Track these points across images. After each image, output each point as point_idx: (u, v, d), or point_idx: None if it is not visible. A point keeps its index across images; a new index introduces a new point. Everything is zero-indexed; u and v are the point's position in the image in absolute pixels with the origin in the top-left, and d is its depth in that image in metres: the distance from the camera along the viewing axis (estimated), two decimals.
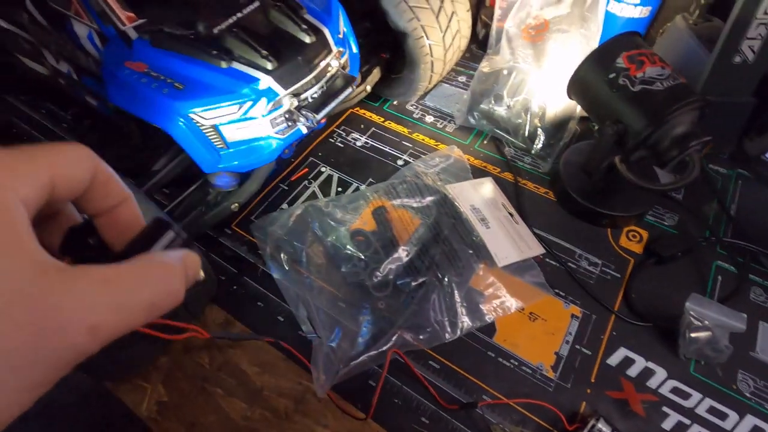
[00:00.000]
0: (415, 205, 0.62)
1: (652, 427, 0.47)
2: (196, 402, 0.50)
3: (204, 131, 0.49)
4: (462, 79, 0.85)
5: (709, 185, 0.66)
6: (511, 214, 0.63)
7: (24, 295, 0.13)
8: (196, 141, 0.49)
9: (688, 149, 0.50)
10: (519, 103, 0.70)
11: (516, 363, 0.51)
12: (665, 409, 0.48)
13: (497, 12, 0.74)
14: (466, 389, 0.49)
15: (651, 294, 0.56)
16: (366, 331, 0.51)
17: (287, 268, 0.57)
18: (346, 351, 0.50)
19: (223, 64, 0.47)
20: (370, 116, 0.79)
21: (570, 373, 0.50)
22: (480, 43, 0.88)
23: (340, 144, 0.74)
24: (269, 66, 0.48)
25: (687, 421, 0.47)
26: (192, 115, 0.47)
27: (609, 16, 0.71)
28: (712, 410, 0.47)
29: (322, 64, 0.52)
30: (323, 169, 0.70)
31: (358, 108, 0.80)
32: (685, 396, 0.48)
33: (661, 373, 0.50)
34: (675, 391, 0.49)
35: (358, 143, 0.74)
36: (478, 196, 0.64)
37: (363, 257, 0.57)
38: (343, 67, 0.57)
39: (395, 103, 0.81)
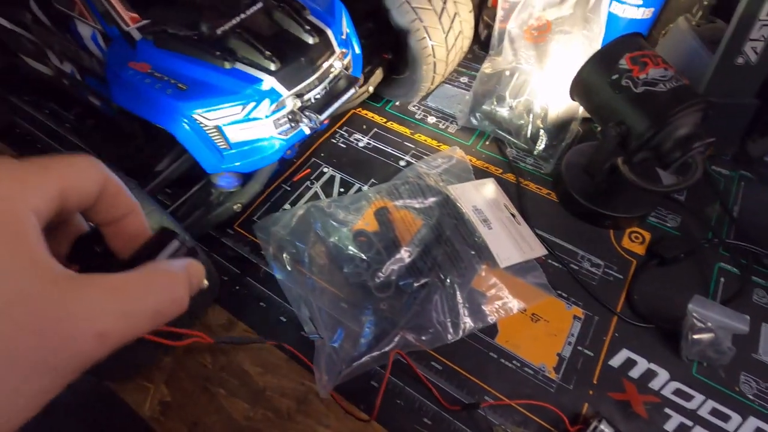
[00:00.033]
0: (417, 205, 0.62)
1: (654, 428, 0.47)
2: (198, 402, 0.50)
3: (207, 132, 0.49)
4: (464, 80, 0.85)
5: (712, 187, 0.66)
6: (513, 215, 0.63)
7: (36, 304, 0.13)
8: (200, 141, 0.49)
9: (691, 151, 0.50)
10: (521, 104, 0.70)
11: (518, 364, 0.51)
12: (667, 410, 0.48)
13: (499, 13, 0.74)
14: (468, 390, 0.49)
15: (653, 295, 0.56)
16: (368, 332, 0.51)
17: (290, 269, 0.57)
18: (349, 351, 0.50)
19: (227, 65, 0.47)
20: (373, 117, 0.79)
21: (572, 375, 0.50)
22: (482, 43, 0.88)
23: (342, 145, 0.74)
24: (272, 67, 0.48)
25: (689, 423, 0.47)
26: (195, 116, 0.47)
27: (611, 18, 0.71)
28: (714, 412, 0.47)
29: (326, 65, 0.52)
30: (326, 170, 0.70)
31: (360, 109, 0.80)
32: (688, 398, 0.48)
33: (663, 374, 0.50)
34: (677, 392, 0.49)
35: (361, 144, 0.74)
36: (481, 197, 0.64)
37: (365, 258, 0.57)
38: (346, 68, 0.57)
39: (397, 103, 0.81)
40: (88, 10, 0.52)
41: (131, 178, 0.44)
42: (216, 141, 0.50)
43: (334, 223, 0.60)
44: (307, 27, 0.51)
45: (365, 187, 0.67)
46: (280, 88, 0.49)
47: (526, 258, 0.58)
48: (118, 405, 0.50)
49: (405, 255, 0.57)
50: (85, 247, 0.18)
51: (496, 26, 0.75)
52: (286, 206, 0.66)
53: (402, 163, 0.71)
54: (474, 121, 0.74)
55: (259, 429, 0.48)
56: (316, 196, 0.67)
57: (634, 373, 0.50)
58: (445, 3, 0.67)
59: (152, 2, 0.53)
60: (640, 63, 0.53)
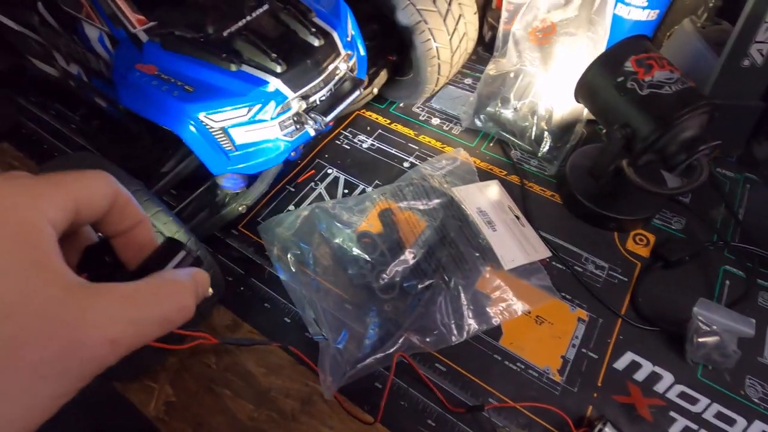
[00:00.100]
0: (421, 207, 0.63)
1: (659, 431, 0.46)
2: (203, 402, 0.50)
3: (213, 134, 0.49)
4: (468, 81, 0.85)
5: (717, 189, 0.66)
6: (517, 217, 0.63)
7: (52, 311, 0.14)
8: (206, 143, 0.50)
9: (696, 153, 0.50)
10: (526, 106, 0.70)
11: (522, 366, 0.51)
12: (672, 413, 0.47)
13: (504, 15, 0.74)
14: (472, 392, 0.49)
15: (658, 298, 0.56)
16: (373, 333, 0.51)
17: (294, 270, 0.57)
18: (353, 353, 0.50)
19: (233, 67, 0.47)
20: (377, 118, 0.79)
21: (576, 377, 0.50)
22: (486, 45, 0.88)
23: (346, 146, 0.74)
24: (278, 69, 0.48)
25: (694, 426, 0.47)
26: (202, 118, 0.48)
27: (616, 19, 0.70)
28: (719, 415, 0.47)
29: (331, 67, 0.52)
30: (330, 171, 0.71)
31: (364, 110, 0.80)
32: (693, 401, 0.48)
33: (668, 377, 0.50)
34: (682, 395, 0.49)
35: (365, 145, 0.74)
36: (485, 199, 0.64)
37: (369, 259, 0.57)
38: (351, 70, 0.57)
39: (401, 105, 0.81)
40: (95, 12, 0.52)
41: (137, 180, 0.44)
42: (222, 143, 0.50)
43: (339, 225, 0.60)
44: (313, 29, 0.51)
45: (369, 189, 0.67)
46: (285, 90, 0.49)
47: (530, 260, 0.58)
48: (124, 405, 0.50)
49: (409, 256, 0.57)
50: (95, 257, 0.19)
51: (501, 28, 0.75)
52: (291, 207, 0.66)
53: (406, 164, 0.71)
54: (478, 123, 0.74)
55: (264, 430, 0.48)
56: (320, 198, 0.67)
57: (639, 376, 0.50)
58: (449, 5, 0.67)
59: (159, 4, 0.53)
60: (646, 65, 0.53)
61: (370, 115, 0.79)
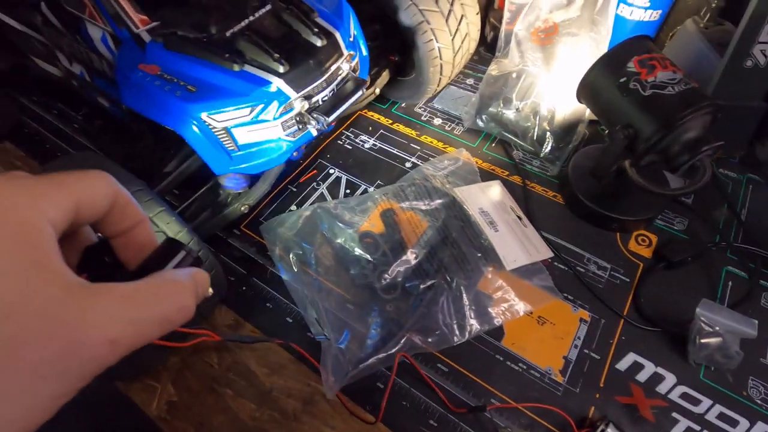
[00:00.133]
0: (423, 207, 0.63)
1: None
2: (205, 402, 0.50)
3: (216, 134, 0.49)
4: (470, 81, 0.85)
5: (720, 190, 0.66)
6: (519, 218, 0.63)
7: (52, 311, 0.14)
8: (208, 143, 0.50)
9: (699, 154, 0.50)
10: (528, 107, 0.70)
11: (524, 367, 0.51)
12: (675, 414, 0.47)
13: (506, 15, 0.74)
14: (474, 393, 0.49)
15: (660, 299, 0.56)
16: (375, 333, 0.51)
17: (296, 270, 0.57)
18: (355, 353, 0.50)
19: (236, 67, 0.48)
20: (378, 118, 0.79)
21: (579, 378, 0.50)
22: (488, 46, 0.88)
23: (348, 146, 0.74)
24: (281, 69, 0.48)
25: (697, 427, 0.47)
26: (204, 118, 0.48)
27: (618, 20, 0.70)
28: (722, 416, 0.47)
29: (333, 67, 0.52)
30: (332, 171, 0.71)
31: (366, 110, 0.80)
32: (695, 402, 0.48)
33: (670, 378, 0.50)
34: (685, 396, 0.49)
35: (367, 145, 0.74)
36: (487, 199, 0.64)
37: (371, 259, 0.57)
38: (354, 70, 0.57)
39: (403, 105, 0.81)
40: (98, 12, 0.52)
41: (140, 180, 0.44)
42: (224, 143, 0.50)
43: (341, 225, 0.60)
44: (316, 29, 0.51)
45: (371, 189, 0.67)
46: (288, 90, 0.49)
47: (532, 260, 0.58)
48: (126, 404, 0.50)
49: (411, 257, 0.57)
50: (95, 258, 0.19)
51: (503, 28, 0.75)
52: (293, 207, 0.66)
53: (408, 164, 0.71)
54: (480, 123, 0.74)
55: (266, 429, 0.48)
56: (322, 198, 0.67)
57: (641, 376, 0.50)
58: (452, 5, 0.67)
59: (162, 4, 0.53)
60: (648, 66, 0.53)
61: (372, 116, 0.80)
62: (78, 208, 0.16)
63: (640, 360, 0.51)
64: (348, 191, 0.68)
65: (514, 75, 0.71)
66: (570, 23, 0.68)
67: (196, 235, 0.46)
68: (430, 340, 0.51)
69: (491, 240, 0.59)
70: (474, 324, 0.52)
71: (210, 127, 0.48)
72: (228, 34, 0.50)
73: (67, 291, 0.14)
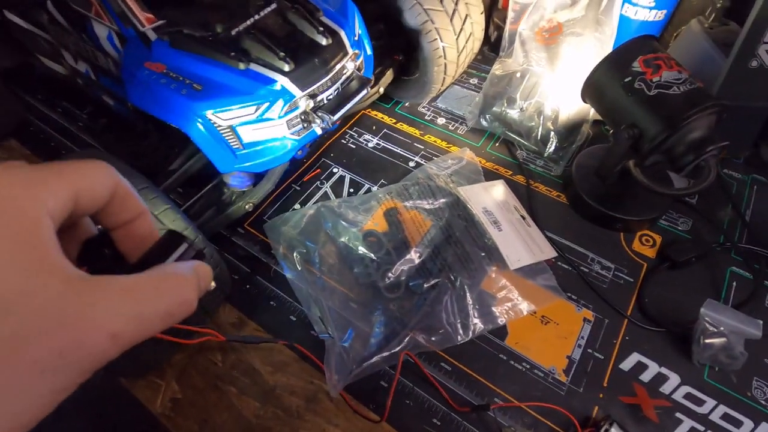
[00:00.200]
0: (427, 206, 0.63)
1: None
2: (209, 399, 0.50)
3: (221, 132, 0.49)
4: (474, 81, 0.85)
5: (724, 190, 0.66)
6: (523, 217, 0.63)
7: (52, 304, 0.14)
8: (213, 141, 0.50)
9: (704, 154, 0.50)
10: (532, 106, 0.70)
11: (528, 366, 0.51)
12: (679, 415, 0.47)
13: (510, 14, 0.74)
14: (477, 392, 0.49)
15: (664, 299, 0.55)
16: (378, 332, 0.51)
17: (300, 268, 0.57)
18: (359, 351, 0.50)
19: (241, 66, 0.48)
20: (382, 118, 0.79)
21: (582, 377, 0.50)
22: (492, 45, 0.88)
23: (352, 145, 0.74)
24: (286, 68, 0.48)
25: (701, 428, 0.46)
26: (210, 116, 0.48)
27: (623, 20, 0.70)
28: (726, 417, 0.47)
29: (338, 66, 0.52)
30: (335, 170, 0.71)
31: (370, 109, 0.80)
32: (699, 402, 0.48)
33: (674, 378, 0.50)
34: (688, 397, 0.48)
35: (370, 144, 0.74)
36: (490, 199, 0.64)
37: (375, 258, 0.57)
38: (359, 69, 0.57)
39: (407, 104, 0.81)
40: (104, 10, 0.52)
41: (145, 177, 0.45)
42: (229, 141, 0.50)
43: (344, 223, 0.60)
44: (321, 28, 0.52)
45: (375, 188, 0.68)
46: (293, 88, 0.49)
47: (536, 260, 0.58)
48: (130, 401, 0.50)
49: (415, 256, 0.57)
50: (94, 250, 0.19)
51: (507, 28, 0.75)
52: (296, 206, 0.66)
53: (411, 164, 0.71)
54: (484, 123, 0.74)
55: (269, 427, 0.48)
56: (326, 196, 0.67)
57: (645, 376, 0.50)
58: (456, 5, 0.67)
59: (168, 3, 0.54)
60: (654, 65, 0.53)
61: (375, 115, 0.80)
62: (77, 198, 0.16)
63: (644, 360, 0.51)
64: (351, 190, 0.68)
65: (518, 75, 0.71)
66: (574, 23, 0.68)
67: (200, 233, 0.46)
68: (433, 339, 0.51)
69: (495, 239, 0.59)
70: (478, 323, 0.52)
71: (215, 125, 0.49)
72: (233, 32, 0.50)
73: (66, 284, 0.14)
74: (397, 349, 0.50)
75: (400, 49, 0.72)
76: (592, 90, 0.59)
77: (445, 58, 0.70)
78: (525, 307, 0.54)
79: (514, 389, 0.49)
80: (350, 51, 0.54)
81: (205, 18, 0.51)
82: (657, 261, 0.59)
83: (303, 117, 0.52)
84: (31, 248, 0.14)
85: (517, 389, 0.49)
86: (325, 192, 0.68)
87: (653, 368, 0.50)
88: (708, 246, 0.59)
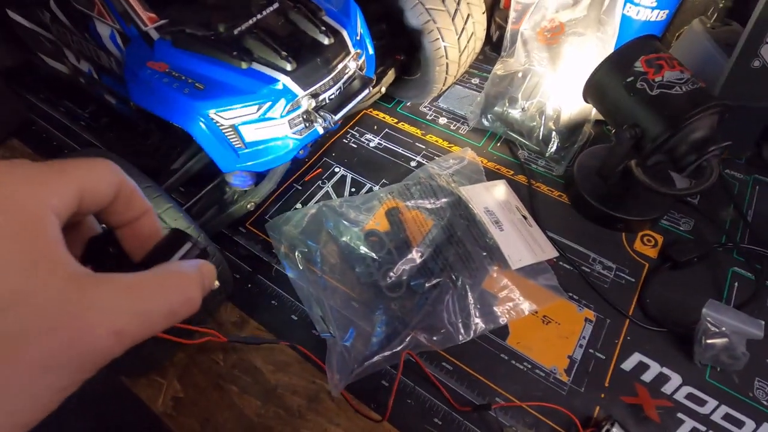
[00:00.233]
0: (428, 206, 0.63)
1: None
2: (211, 398, 0.50)
3: (223, 131, 0.49)
4: (475, 81, 0.85)
5: (726, 190, 0.66)
6: (524, 217, 0.63)
7: (56, 301, 0.14)
8: (216, 140, 0.50)
9: (706, 154, 0.50)
10: (533, 106, 0.70)
11: (529, 366, 0.51)
12: (680, 415, 0.47)
13: (512, 14, 0.74)
14: (479, 391, 0.49)
15: (666, 299, 0.55)
16: (380, 332, 0.52)
17: (301, 268, 0.57)
18: (361, 351, 0.50)
19: (243, 65, 0.48)
20: (384, 117, 0.79)
21: (584, 377, 0.50)
22: (494, 45, 0.88)
23: (353, 145, 0.74)
24: (288, 67, 0.48)
25: (702, 428, 0.46)
26: (212, 115, 0.48)
27: (625, 20, 0.70)
28: (727, 417, 0.47)
29: (340, 65, 0.52)
30: (337, 170, 0.71)
31: (371, 109, 0.80)
32: (701, 403, 0.48)
33: (676, 379, 0.50)
34: (690, 397, 0.48)
35: (372, 144, 0.74)
36: (492, 199, 0.64)
37: (376, 258, 0.57)
38: (360, 69, 0.57)
39: (408, 104, 0.81)
40: (107, 9, 0.53)
41: (147, 177, 0.45)
42: (232, 140, 0.50)
43: (346, 223, 0.60)
44: (323, 28, 0.52)
45: (376, 187, 0.68)
46: (295, 88, 0.49)
47: (537, 260, 0.58)
48: (132, 400, 0.50)
49: (416, 255, 0.57)
50: (99, 248, 0.19)
51: (509, 28, 0.75)
52: (298, 206, 0.66)
53: (413, 163, 0.71)
54: (485, 123, 0.74)
55: (271, 426, 0.49)
56: (327, 196, 0.67)
57: (647, 376, 0.50)
58: (458, 4, 0.67)
59: (170, 2, 0.54)
60: (656, 65, 0.53)
61: (377, 114, 0.80)
62: (81, 196, 0.16)
63: (646, 360, 0.51)
64: (353, 190, 0.68)
65: (519, 74, 0.71)
66: (576, 23, 0.68)
67: (203, 232, 0.46)
68: (435, 338, 0.51)
69: (496, 239, 0.59)
70: (479, 323, 0.52)
71: (217, 124, 0.49)
72: (236, 32, 0.50)
73: (71, 281, 0.14)
74: (399, 348, 0.50)
75: (401, 49, 0.72)
76: (593, 90, 0.59)
77: (446, 58, 0.70)
78: (526, 306, 0.54)
79: (515, 389, 0.49)
80: (352, 50, 0.54)
81: (207, 17, 0.52)
82: (659, 261, 0.59)
83: (305, 116, 0.52)
84: (36, 245, 0.14)
85: (519, 389, 0.49)
86: (327, 191, 0.68)
87: (655, 368, 0.50)
88: (710, 246, 0.59)
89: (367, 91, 0.56)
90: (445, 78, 0.74)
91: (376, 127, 0.77)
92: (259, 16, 0.52)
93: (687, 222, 0.63)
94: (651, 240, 0.61)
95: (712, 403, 0.48)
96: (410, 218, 0.61)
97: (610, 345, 0.52)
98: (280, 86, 0.48)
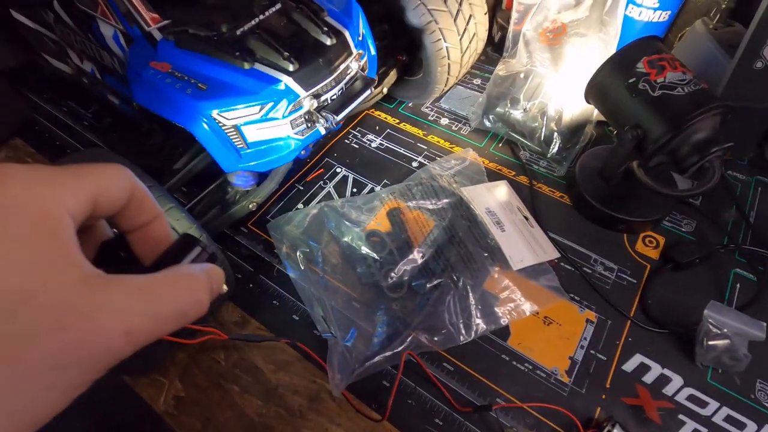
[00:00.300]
0: (430, 206, 0.63)
1: None
2: (212, 398, 0.50)
3: (226, 131, 0.49)
4: (477, 81, 0.85)
5: (728, 191, 0.65)
6: (526, 218, 0.63)
7: (68, 301, 0.14)
8: (218, 141, 0.50)
9: (708, 155, 0.49)
10: (535, 107, 0.70)
11: (530, 367, 0.51)
12: (681, 416, 0.47)
13: (514, 15, 0.74)
14: (480, 392, 0.49)
15: (667, 300, 0.55)
16: (381, 332, 0.52)
17: (303, 268, 0.57)
18: (362, 351, 0.50)
19: (246, 66, 0.48)
20: (385, 118, 0.79)
21: (585, 378, 0.50)
22: (496, 46, 0.88)
23: (355, 145, 0.75)
24: (291, 68, 0.48)
25: (704, 430, 0.46)
26: (215, 116, 0.48)
27: (627, 20, 0.70)
28: (729, 419, 0.47)
29: (343, 66, 0.53)
30: (339, 170, 0.71)
31: (373, 109, 0.80)
32: (702, 404, 0.48)
33: (677, 380, 0.50)
34: (691, 398, 0.48)
35: (373, 144, 0.75)
36: (493, 199, 0.64)
37: (378, 258, 0.57)
38: (362, 69, 0.57)
39: (410, 105, 0.81)
40: (110, 10, 0.53)
41: (149, 176, 0.45)
42: (234, 140, 0.51)
43: (347, 223, 0.60)
44: (325, 28, 0.52)
45: (378, 188, 0.68)
46: (297, 88, 0.49)
47: (538, 261, 0.58)
48: (133, 399, 0.51)
49: (418, 256, 0.57)
50: (111, 252, 0.19)
51: (511, 28, 0.75)
52: (300, 206, 0.66)
53: (414, 164, 0.71)
54: (487, 123, 0.74)
55: (272, 426, 0.49)
56: (329, 196, 0.67)
57: (648, 378, 0.50)
58: (460, 5, 0.67)
59: (173, 3, 0.54)
60: (658, 66, 0.53)
61: (379, 115, 0.80)
62: (96, 200, 0.16)
63: (647, 361, 0.51)
64: (355, 190, 0.68)
65: (521, 75, 0.71)
66: (578, 24, 0.68)
67: (205, 232, 0.46)
68: (436, 339, 0.51)
69: (498, 240, 0.59)
70: (480, 323, 0.52)
71: (220, 124, 0.49)
72: (238, 32, 0.50)
73: (83, 281, 0.14)
74: (400, 348, 0.50)
75: (403, 50, 0.72)
76: (595, 91, 0.59)
77: (448, 59, 0.70)
78: (528, 307, 0.54)
79: (516, 390, 0.49)
80: (354, 51, 0.54)
81: (210, 18, 0.52)
82: (660, 262, 0.59)
83: (307, 117, 0.53)
84: (50, 244, 0.14)
85: (520, 390, 0.49)
86: (329, 192, 0.68)
87: (656, 370, 0.50)
88: (712, 247, 0.59)
89: (369, 91, 0.56)
90: (447, 79, 0.74)
91: (377, 127, 0.78)
92: (261, 17, 0.52)
93: (689, 223, 0.63)
94: (653, 241, 0.61)
95: (713, 404, 0.48)
96: (412, 219, 0.62)
97: (611, 346, 0.52)
98: (282, 87, 0.49)
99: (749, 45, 0.58)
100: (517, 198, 0.65)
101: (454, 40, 0.68)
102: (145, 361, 0.51)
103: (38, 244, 0.14)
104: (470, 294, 0.54)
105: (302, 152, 0.58)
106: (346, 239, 0.59)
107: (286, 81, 0.48)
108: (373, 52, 0.60)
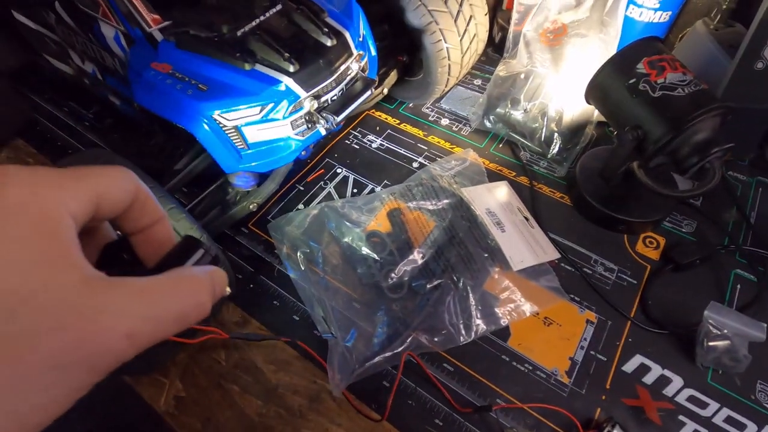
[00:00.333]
0: (430, 207, 0.63)
1: None
2: (212, 398, 0.51)
3: (226, 132, 0.50)
4: (478, 82, 0.85)
5: (729, 192, 0.65)
6: (526, 218, 0.63)
7: (69, 302, 0.14)
8: (219, 141, 0.50)
9: (709, 156, 0.49)
10: (536, 108, 0.70)
11: (530, 367, 0.51)
12: (681, 417, 0.47)
13: (514, 16, 0.74)
14: (480, 392, 0.50)
15: (668, 301, 0.55)
16: (381, 332, 0.52)
17: (303, 268, 0.57)
18: (362, 351, 0.50)
19: (247, 66, 0.48)
20: (386, 118, 0.79)
21: (585, 379, 0.50)
22: (496, 46, 0.88)
23: (355, 146, 0.75)
24: (291, 68, 0.49)
25: (704, 431, 0.46)
26: (215, 116, 0.48)
27: (627, 21, 0.70)
28: (729, 420, 0.47)
29: (343, 67, 0.53)
30: (339, 171, 0.71)
31: (373, 110, 0.81)
32: (702, 405, 0.48)
33: (677, 381, 0.49)
34: (692, 399, 0.48)
35: (374, 145, 0.75)
36: (494, 200, 0.64)
37: (378, 258, 0.57)
38: (363, 70, 0.57)
39: (411, 105, 0.81)
40: (111, 11, 0.53)
41: (150, 177, 0.45)
42: (234, 141, 0.51)
43: (348, 224, 0.60)
44: (325, 29, 0.52)
45: (378, 188, 0.68)
46: (298, 89, 0.49)
47: (539, 261, 0.58)
48: (134, 399, 0.51)
49: (418, 256, 0.57)
50: (113, 255, 0.19)
51: (511, 29, 0.75)
52: (300, 206, 0.66)
53: (415, 164, 0.71)
54: (488, 124, 0.74)
55: (272, 426, 0.49)
56: (329, 197, 0.67)
57: (648, 379, 0.50)
58: (460, 6, 0.67)
59: (174, 4, 0.54)
60: (658, 67, 0.53)
61: (379, 115, 0.80)
62: (99, 202, 0.16)
63: (647, 362, 0.51)
64: (355, 191, 0.68)
65: (522, 76, 0.71)
66: (579, 24, 0.68)
67: (206, 233, 0.46)
68: (436, 339, 0.51)
69: (498, 240, 0.59)
70: (480, 324, 0.52)
71: (221, 125, 0.49)
72: (239, 33, 0.50)
73: (85, 283, 0.14)
74: (400, 349, 0.50)
75: (404, 50, 0.72)
76: (596, 91, 0.59)
77: (449, 59, 0.70)
78: (528, 308, 0.54)
79: (516, 390, 0.49)
80: (355, 52, 0.54)
81: (210, 19, 0.52)
82: (661, 263, 0.59)
83: (307, 117, 0.53)
84: (51, 246, 0.14)
85: (520, 390, 0.49)
86: (329, 192, 0.68)
87: (656, 370, 0.50)
88: (712, 248, 0.59)
89: (369, 92, 0.56)
90: (447, 79, 0.74)
91: (378, 128, 0.78)
92: (262, 18, 0.52)
93: (689, 224, 0.63)
94: (653, 242, 0.61)
95: (713, 405, 0.48)
96: (412, 219, 0.62)
97: (611, 347, 0.52)
98: (282, 87, 0.49)
99: (750, 45, 0.58)
100: (518, 198, 0.65)
101: (455, 40, 0.68)
102: (146, 362, 0.51)
103: (38, 244, 0.14)
104: (470, 294, 0.54)
105: (303, 153, 0.58)
106: (346, 240, 0.59)
107: (287, 82, 0.49)
108: (373, 52, 0.60)
